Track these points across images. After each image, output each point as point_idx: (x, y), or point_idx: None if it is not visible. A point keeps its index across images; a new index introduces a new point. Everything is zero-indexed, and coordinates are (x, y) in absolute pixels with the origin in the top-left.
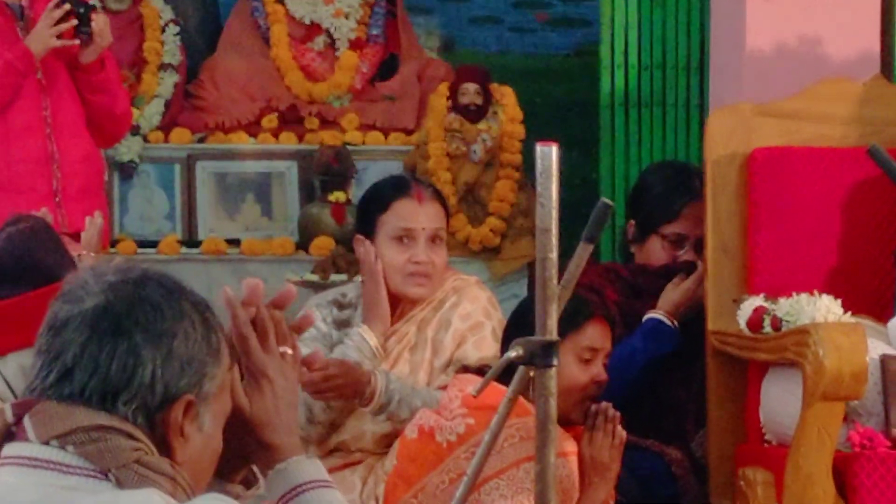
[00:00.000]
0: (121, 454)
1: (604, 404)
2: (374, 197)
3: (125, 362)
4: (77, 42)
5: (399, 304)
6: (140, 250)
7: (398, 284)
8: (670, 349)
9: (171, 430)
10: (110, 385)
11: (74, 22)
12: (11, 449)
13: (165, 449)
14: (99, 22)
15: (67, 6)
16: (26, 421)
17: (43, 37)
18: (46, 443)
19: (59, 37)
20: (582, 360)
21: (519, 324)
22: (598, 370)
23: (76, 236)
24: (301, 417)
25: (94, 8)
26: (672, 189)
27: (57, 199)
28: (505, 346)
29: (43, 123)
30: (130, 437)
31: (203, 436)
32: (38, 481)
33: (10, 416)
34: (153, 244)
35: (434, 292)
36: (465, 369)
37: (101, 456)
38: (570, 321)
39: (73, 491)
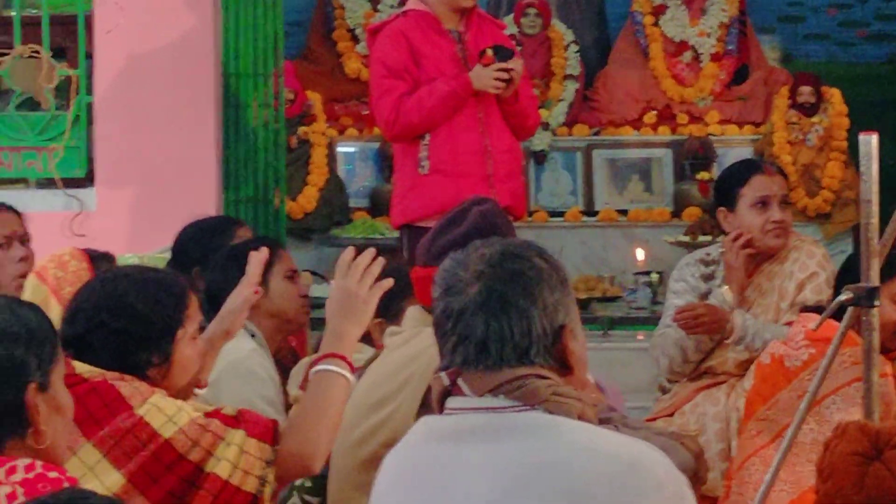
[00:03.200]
0: (541, 391)
1: None
2: (734, 175)
3: (521, 326)
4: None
5: (755, 262)
6: (550, 219)
7: (761, 240)
8: None
9: (566, 353)
10: (519, 347)
11: (507, 77)
12: (454, 402)
13: (565, 368)
14: (518, 68)
15: (512, 64)
16: (461, 382)
17: (484, 80)
18: (482, 395)
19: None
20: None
21: (847, 273)
22: None
23: (505, 210)
24: (677, 358)
25: (513, 55)
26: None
27: (490, 181)
28: (836, 292)
29: (478, 123)
30: (543, 377)
31: (580, 344)
32: (480, 419)
33: (446, 381)
34: (560, 214)
35: (787, 244)
36: (806, 309)
37: (527, 396)
38: (887, 271)
39: (512, 415)
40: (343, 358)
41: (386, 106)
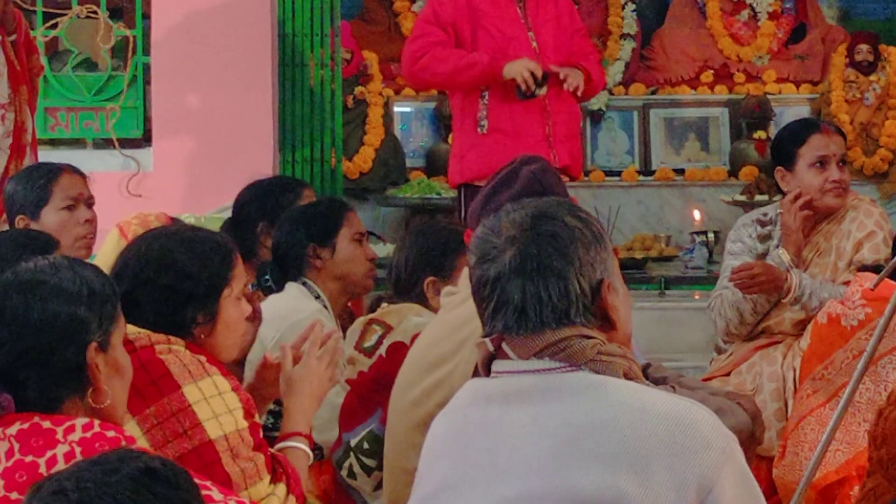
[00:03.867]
0: (587, 351)
1: None
2: (792, 135)
3: (558, 287)
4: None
5: (812, 222)
6: (607, 178)
7: (819, 199)
8: None
9: (608, 308)
10: (557, 309)
11: (535, 90)
12: (500, 366)
13: (608, 324)
14: (543, 90)
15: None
16: (505, 347)
17: (515, 71)
18: (527, 359)
19: (522, 86)
20: None
21: None
22: None
23: (563, 170)
24: (734, 319)
25: (547, 79)
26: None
27: (549, 142)
28: (894, 251)
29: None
30: (587, 337)
31: (621, 296)
32: (527, 380)
33: (490, 347)
34: (617, 174)
35: (845, 203)
36: (863, 268)
37: (573, 356)
38: None
39: (558, 376)
40: (306, 435)
41: (417, 46)
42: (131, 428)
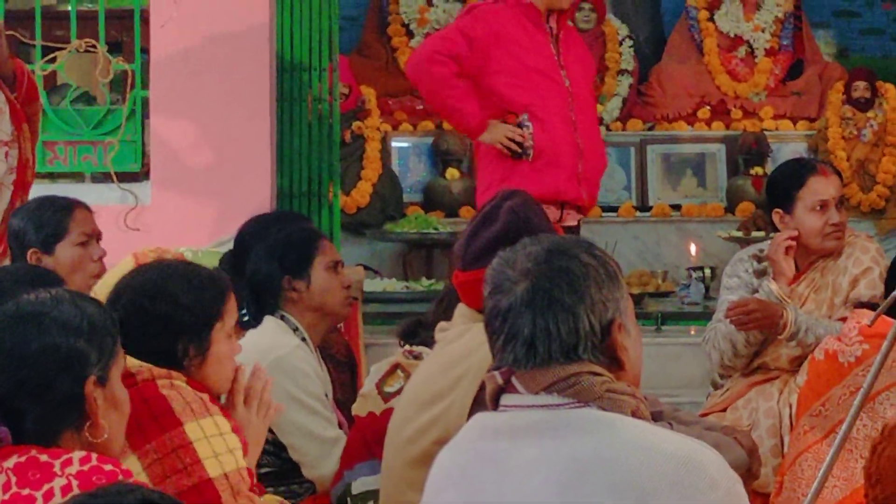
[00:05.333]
0: (596, 388)
1: None
2: (789, 177)
3: (568, 323)
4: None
5: (810, 258)
6: (604, 214)
7: (819, 243)
8: None
9: (617, 349)
10: (566, 345)
11: (517, 148)
12: (509, 399)
13: (616, 364)
14: (530, 152)
15: (526, 136)
16: (514, 381)
17: (496, 136)
18: (536, 393)
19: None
20: None
21: None
22: None
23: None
24: (728, 351)
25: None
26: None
27: (579, 178)
28: (888, 287)
29: (571, 122)
30: (596, 374)
31: (633, 337)
32: (535, 416)
33: (500, 380)
34: (614, 209)
35: (843, 244)
36: (860, 305)
37: (582, 392)
38: None
39: (566, 412)
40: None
41: (440, 48)
42: (131, 463)
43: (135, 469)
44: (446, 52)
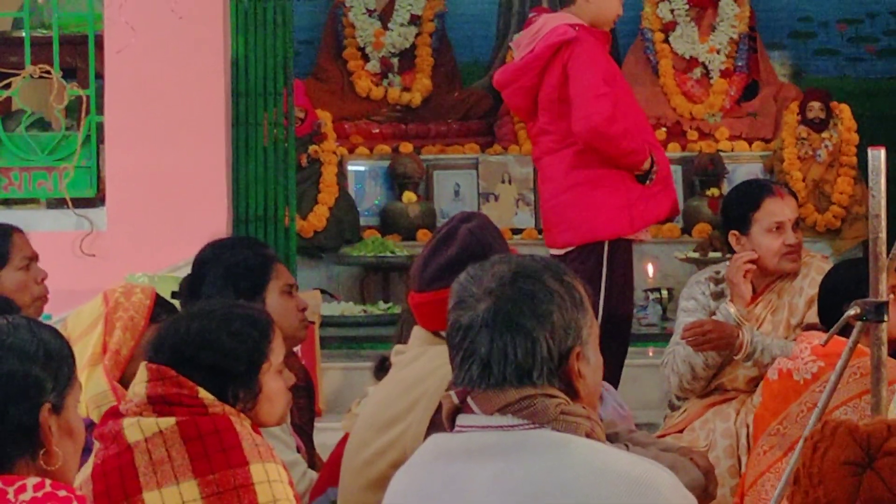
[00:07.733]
0: (550, 411)
1: None
2: (745, 199)
3: (525, 347)
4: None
5: (767, 280)
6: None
7: (776, 264)
8: None
9: (573, 376)
10: (521, 368)
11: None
12: (464, 420)
13: (572, 391)
14: (653, 176)
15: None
16: (470, 401)
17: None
18: (491, 414)
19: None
20: None
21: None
22: None
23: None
24: (686, 374)
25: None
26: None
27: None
28: (821, 308)
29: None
30: (551, 396)
31: (591, 367)
32: (490, 437)
33: (455, 400)
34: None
35: (800, 265)
36: (808, 327)
37: (536, 415)
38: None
39: (521, 434)
40: None
41: (606, 106)
42: (189, 487)
43: (192, 494)
44: (612, 107)
